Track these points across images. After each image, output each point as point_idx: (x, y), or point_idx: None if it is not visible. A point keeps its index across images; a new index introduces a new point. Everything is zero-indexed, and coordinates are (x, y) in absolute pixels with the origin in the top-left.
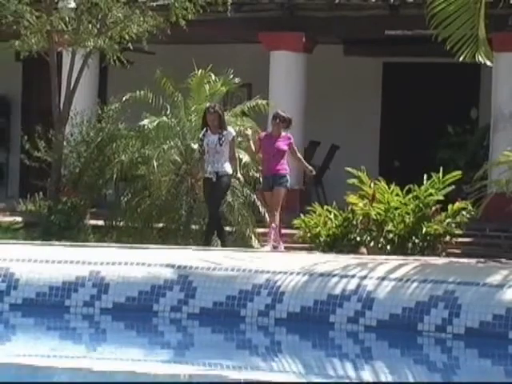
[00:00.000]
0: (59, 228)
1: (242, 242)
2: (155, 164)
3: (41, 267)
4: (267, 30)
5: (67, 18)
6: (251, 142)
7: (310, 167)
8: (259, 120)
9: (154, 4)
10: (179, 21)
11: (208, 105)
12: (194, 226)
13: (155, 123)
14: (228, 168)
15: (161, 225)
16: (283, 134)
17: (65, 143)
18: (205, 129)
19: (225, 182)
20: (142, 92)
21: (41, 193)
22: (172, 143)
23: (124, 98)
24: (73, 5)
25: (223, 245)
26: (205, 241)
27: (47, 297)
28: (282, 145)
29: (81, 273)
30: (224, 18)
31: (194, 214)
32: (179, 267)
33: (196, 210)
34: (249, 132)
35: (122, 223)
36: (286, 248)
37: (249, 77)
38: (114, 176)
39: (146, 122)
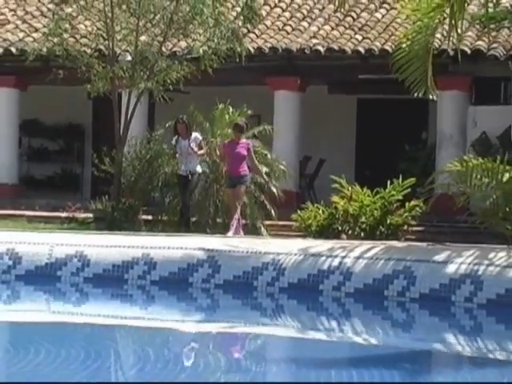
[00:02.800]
0: (120, 222)
1: (254, 231)
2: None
3: (106, 250)
4: (272, 75)
5: (125, 68)
6: (217, 148)
7: (264, 176)
8: (266, 140)
9: (189, 56)
10: (207, 68)
11: (179, 117)
12: (219, 220)
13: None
14: (198, 167)
15: (194, 219)
16: (243, 140)
17: (123, 159)
18: (176, 136)
19: (196, 179)
20: (182, 117)
21: (106, 196)
22: (202, 159)
23: (166, 125)
24: (129, 58)
25: (187, 230)
26: (185, 226)
27: (111, 272)
28: (241, 150)
29: (136, 254)
30: (240, 66)
31: (219, 211)
32: (208, 250)
33: (221, 207)
34: (220, 145)
35: (165, 218)
36: (287, 236)
37: (258, 110)
38: (160, 183)
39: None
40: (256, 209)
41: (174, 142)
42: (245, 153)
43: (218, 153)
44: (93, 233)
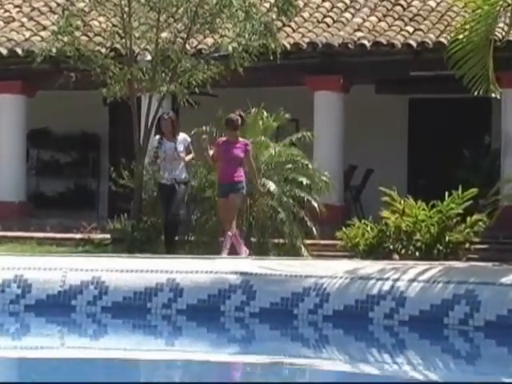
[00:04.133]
0: (141, 243)
1: (293, 252)
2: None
3: (126, 276)
4: (311, 73)
5: (144, 69)
6: (208, 148)
7: (259, 186)
8: (305, 148)
9: (216, 54)
10: (237, 68)
11: (162, 112)
12: (253, 239)
13: None
14: (185, 174)
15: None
16: (240, 140)
17: (144, 172)
18: (159, 136)
19: (183, 189)
20: (207, 127)
21: (125, 214)
22: None
23: (192, 133)
24: (149, 58)
25: (169, 251)
26: (168, 246)
27: (132, 300)
28: (238, 151)
29: (160, 280)
30: (274, 65)
31: (253, 229)
32: (241, 274)
33: (255, 225)
34: (205, 137)
35: (193, 238)
36: (330, 257)
37: (296, 113)
38: (186, 198)
39: (211, 152)
40: (295, 226)
41: (156, 143)
42: (242, 155)
43: (210, 153)
44: (111, 256)
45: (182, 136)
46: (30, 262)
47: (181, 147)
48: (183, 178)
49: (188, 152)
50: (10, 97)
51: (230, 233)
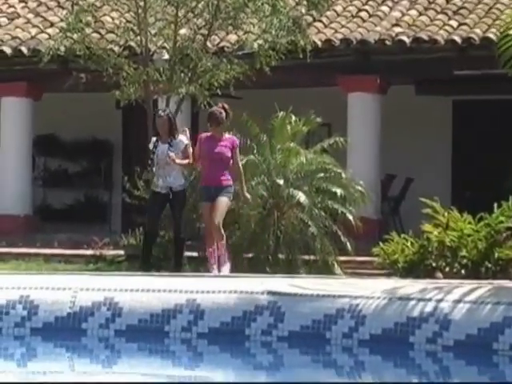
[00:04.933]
0: (158, 260)
1: (325, 270)
2: (249, 197)
3: (142, 296)
4: (344, 73)
5: (161, 69)
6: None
7: (247, 193)
8: (338, 155)
9: (240, 53)
10: (263, 67)
11: (159, 110)
12: (281, 256)
13: (243, 162)
14: (182, 181)
15: (250, 255)
16: (227, 135)
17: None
18: (155, 139)
19: (181, 198)
20: (230, 133)
21: (140, 228)
22: (259, 179)
23: None
24: (166, 56)
25: (177, 269)
26: (176, 263)
27: (148, 323)
28: (224, 149)
29: (179, 300)
30: (304, 64)
31: (280, 244)
32: (268, 293)
33: (283, 240)
34: (186, 130)
35: None
36: (366, 275)
37: (328, 117)
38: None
39: (190, 150)
40: (327, 241)
41: (151, 145)
42: (228, 154)
43: (190, 150)
44: (125, 274)
45: (179, 138)
46: (36, 281)
47: (175, 150)
48: (179, 186)
49: (185, 156)
50: (15, 100)
51: (223, 241)
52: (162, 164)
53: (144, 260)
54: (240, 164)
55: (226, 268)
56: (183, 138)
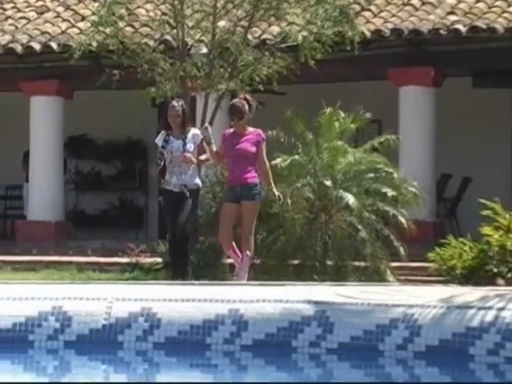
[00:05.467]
0: (198, 267)
1: (376, 277)
2: (289, 202)
3: (181, 306)
4: (395, 65)
5: (199, 64)
6: (212, 142)
7: (276, 191)
8: (390, 154)
9: (283, 45)
10: (308, 61)
11: (170, 101)
12: (329, 262)
13: (288, 162)
14: (198, 180)
15: (296, 261)
16: (251, 129)
17: (201, 184)
18: (165, 133)
19: (195, 198)
20: (273, 132)
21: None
22: (305, 181)
23: None
24: (205, 50)
25: (184, 276)
26: (182, 270)
27: (188, 335)
28: (248, 145)
29: (221, 311)
30: (351, 56)
31: (328, 250)
32: (316, 303)
33: (331, 245)
34: (207, 126)
35: (258, 261)
36: (421, 282)
37: (378, 113)
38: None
39: (278, 160)
40: (378, 246)
41: (160, 141)
42: (253, 149)
43: (213, 148)
44: (163, 283)
45: (192, 132)
46: (69, 291)
47: (191, 146)
48: (194, 185)
49: (201, 151)
50: (45, 99)
51: (249, 252)
52: (176, 161)
53: (174, 267)
54: (266, 160)
55: (243, 276)
56: (197, 132)
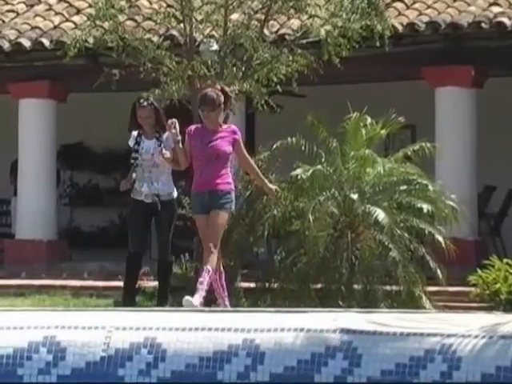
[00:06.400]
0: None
1: (410, 302)
2: (311, 218)
3: (190, 336)
4: (431, 64)
5: (210, 62)
6: (178, 139)
7: (271, 185)
8: (425, 164)
9: (304, 41)
10: (332, 58)
11: (141, 97)
12: (356, 286)
13: (309, 173)
14: (172, 188)
15: (319, 285)
16: (224, 126)
17: None
18: (136, 133)
19: (171, 210)
20: (293, 139)
21: (186, 254)
22: (329, 194)
23: (274, 146)
24: (215, 47)
25: (162, 302)
26: (161, 295)
27: (197, 369)
28: (222, 144)
29: (234, 341)
30: (381, 54)
31: (355, 272)
32: (342, 332)
33: (358, 267)
34: (173, 122)
35: (276, 285)
36: (461, 308)
37: (412, 117)
38: (266, 233)
39: (299, 171)
40: (412, 268)
41: (131, 142)
42: (228, 149)
43: (181, 149)
44: (169, 310)
45: (167, 134)
46: (63, 320)
47: (166, 149)
48: (168, 195)
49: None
50: (35, 102)
51: (209, 266)
52: (147, 165)
53: (127, 292)
54: (249, 157)
55: (196, 299)
56: (173, 131)
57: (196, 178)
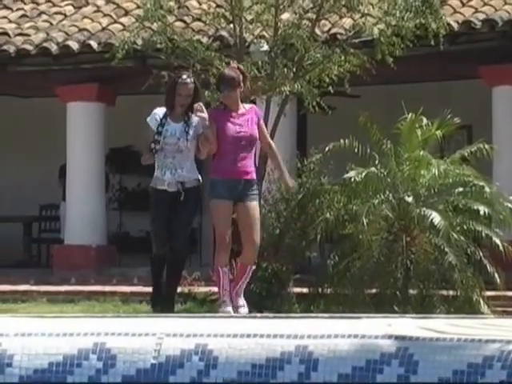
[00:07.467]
0: (260, 297)
1: (468, 308)
2: (365, 221)
3: (241, 342)
4: (487, 63)
5: (260, 63)
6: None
7: (289, 180)
8: (482, 165)
9: (357, 40)
10: (385, 58)
11: (177, 74)
12: (411, 291)
13: (363, 175)
14: (197, 174)
15: (374, 290)
16: (246, 106)
17: (262, 202)
18: (161, 113)
19: (194, 198)
20: (346, 141)
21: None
22: (383, 197)
23: (327, 149)
24: (266, 47)
25: (169, 306)
26: (167, 300)
27: (250, 376)
28: (253, 127)
29: (286, 348)
30: (436, 53)
31: (411, 277)
32: (397, 338)
33: (413, 271)
34: (199, 106)
35: (329, 290)
36: None
37: (468, 117)
38: (319, 237)
39: (352, 174)
40: (470, 272)
41: (153, 121)
42: (256, 131)
43: (210, 136)
44: (220, 316)
45: (197, 118)
46: (112, 326)
47: (193, 134)
48: (194, 181)
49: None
50: (83, 105)
51: (254, 267)
52: (171, 150)
53: (156, 295)
54: (271, 140)
55: (243, 302)
56: (205, 115)
57: (226, 164)
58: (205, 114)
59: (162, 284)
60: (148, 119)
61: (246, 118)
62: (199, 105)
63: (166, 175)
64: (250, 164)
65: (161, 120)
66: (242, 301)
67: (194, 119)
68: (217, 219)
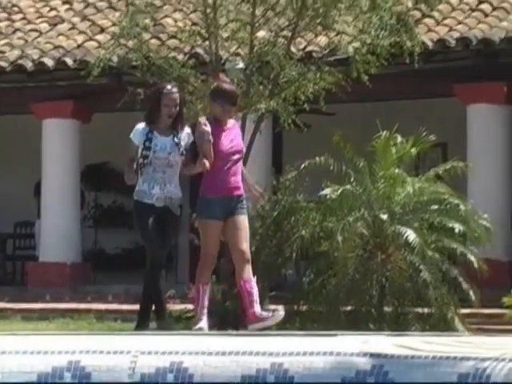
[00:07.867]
0: (235, 315)
1: (442, 325)
2: (340, 239)
3: (217, 360)
4: (462, 81)
5: (236, 80)
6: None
7: (258, 188)
8: (456, 183)
9: (332, 58)
10: (361, 76)
11: (160, 86)
12: (387, 308)
13: (338, 192)
14: (180, 192)
15: (349, 307)
16: (230, 121)
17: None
18: (145, 127)
19: (177, 216)
20: (321, 158)
21: (214, 276)
22: (358, 214)
23: (302, 166)
24: (241, 65)
25: (162, 323)
26: (159, 314)
27: None
28: (239, 141)
29: (261, 365)
30: (411, 71)
31: (386, 294)
32: (372, 355)
33: (389, 289)
34: (203, 121)
35: (304, 307)
36: (496, 331)
37: (443, 135)
38: (294, 254)
39: (327, 191)
40: (444, 290)
41: (138, 138)
42: (243, 146)
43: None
44: (195, 334)
45: (187, 131)
46: (87, 344)
47: (181, 147)
48: (178, 199)
49: (201, 145)
50: (59, 122)
51: (254, 279)
52: (160, 165)
53: (143, 313)
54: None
55: (267, 311)
56: (189, 131)
57: (220, 181)
58: (208, 128)
59: (163, 304)
60: (131, 135)
61: (234, 133)
62: (203, 119)
63: (154, 189)
64: (239, 179)
65: (146, 135)
66: (265, 312)
67: (183, 133)
68: (207, 240)
